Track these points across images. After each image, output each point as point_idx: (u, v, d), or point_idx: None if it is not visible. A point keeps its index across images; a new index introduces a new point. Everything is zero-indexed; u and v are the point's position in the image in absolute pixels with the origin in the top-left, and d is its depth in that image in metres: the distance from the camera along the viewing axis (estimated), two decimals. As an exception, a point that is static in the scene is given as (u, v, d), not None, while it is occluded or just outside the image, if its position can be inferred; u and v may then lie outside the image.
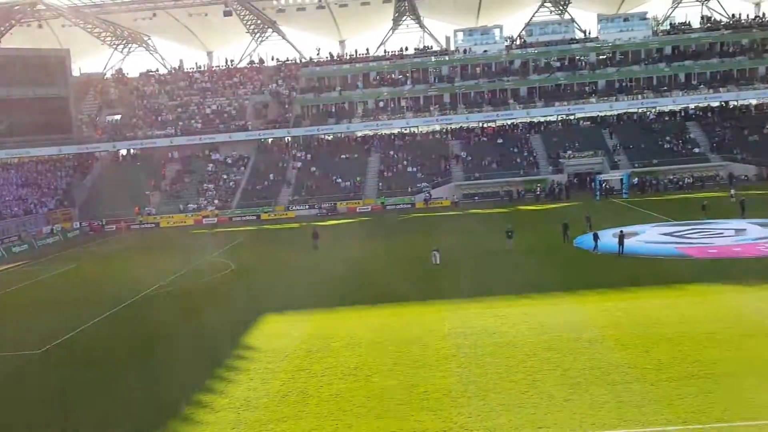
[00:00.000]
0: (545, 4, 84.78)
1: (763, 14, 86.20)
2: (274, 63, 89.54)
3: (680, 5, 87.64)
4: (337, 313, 28.01)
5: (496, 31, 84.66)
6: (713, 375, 18.28)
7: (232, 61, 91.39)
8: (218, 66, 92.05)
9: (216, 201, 71.73)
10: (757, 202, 48.53)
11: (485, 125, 79.36)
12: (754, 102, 75.84)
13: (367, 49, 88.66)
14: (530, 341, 22.21)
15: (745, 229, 39.28)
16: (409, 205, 67.57)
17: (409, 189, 69.91)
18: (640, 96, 76.33)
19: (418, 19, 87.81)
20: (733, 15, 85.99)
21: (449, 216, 59.01)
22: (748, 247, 34.63)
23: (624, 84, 78.07)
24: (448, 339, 23.18)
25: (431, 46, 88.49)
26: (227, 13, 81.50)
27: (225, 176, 75.91)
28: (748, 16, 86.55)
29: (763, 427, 15.16)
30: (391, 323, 25.77)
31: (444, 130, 79.97)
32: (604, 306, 25.85)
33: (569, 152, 70.51)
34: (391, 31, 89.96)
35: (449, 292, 29.91)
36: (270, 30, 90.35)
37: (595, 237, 37.13)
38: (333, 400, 18.50)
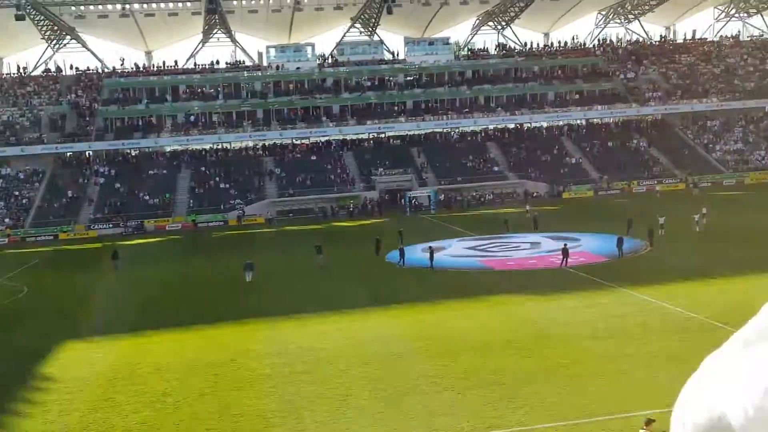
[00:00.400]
0: (355, 25, 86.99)
1: (552, 44, 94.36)
2: (73, 72, 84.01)
3: (479, 32, 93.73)
4: (144, 337, 26.59)
5: (309, 49, 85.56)
6: (514, 382, 19.40)
7: (25, 68, 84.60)
8: (9, 73, 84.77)
9: (6, 220, 65.72)
10: (549, 217, 52.69)
11: (299, 142, 79.64)
12: (545, 124, 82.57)
13: (176, 62, 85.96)
14: (344, 357, 22.40)
15: (539, 243, 42.45)
16: (222, 223, 66.01)
17: (222, 206, 68.34)
18: (444, 117, 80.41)
19: (229, 33, 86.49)
20: (526, 43, 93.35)
21: (263, 233, 58.39)
22: (542, 259, 37.44)
23: (430, 105, 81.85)
24: (263, 359, 22.81)
25: (243, 61, 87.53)
26: (19, 17, 75.26)
27: (17, 193, 69.80)
28: (538, 44, 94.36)
29: (559, 428, 16.32)
30: (204, 345, 24.91)
31: (258, 146, 79.17)
32: (415, 319, 26.72)
33: (381, 170, 72.58)
34: (201, 44, 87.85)
35: (264, 310, 29.48)
36: (69, 37, 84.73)
37: (401, 253, 38.29)
38: (138, 430, 17.48)
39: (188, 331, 27.26)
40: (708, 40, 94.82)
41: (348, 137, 79.76)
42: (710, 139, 79.41)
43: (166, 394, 19.96)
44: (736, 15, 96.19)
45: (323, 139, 79.56)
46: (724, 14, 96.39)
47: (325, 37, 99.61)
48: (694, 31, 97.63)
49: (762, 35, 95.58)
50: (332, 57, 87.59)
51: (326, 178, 72.46)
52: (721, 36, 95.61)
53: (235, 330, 26.86)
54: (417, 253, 40.43)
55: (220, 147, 78.47)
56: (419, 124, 79.78)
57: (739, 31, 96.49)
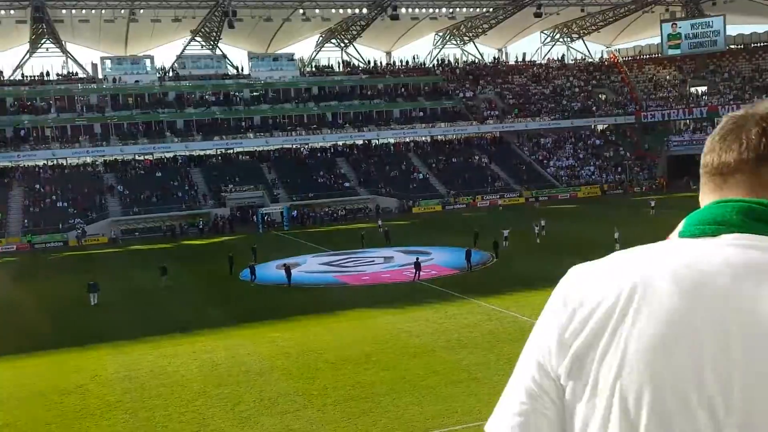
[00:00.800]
0: (196, 38, 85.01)
1: (393, 62, 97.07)
2: None
3: (323, 49, 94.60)
4: (-24, 371, 24.42)
5: (147, 62, 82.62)
6: (373, 395, 19.67)
7: None
8: None
9: None
10: (401, 231, 53.95)
11: (142, 158, 76.48)
12: (392, 140, 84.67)
13: (1, 72, 80.00)
14: (200, 379, 21.76)
15: (392, 257, 43.35)
16: (62, 243, 61.96)
17: (61, 225, 64.15)
18: (293, 132, 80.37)
19: (59, 43, 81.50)
20: (369, 61, 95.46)
21: (107, 253, 55.44)
22: (395, 273, 38.25)
23: (278, 120, 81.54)
24: (113, 384, 21.68)
25: (76, 73, 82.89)
26: None
27: None
28: (381, 62, 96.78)
29: (419, 438, 16.73)
30: (47, 372, 23.28)
31: (97, 162, 75.20)
32: (271, 337, 26.42)
33: (231, 186, 71.23)
34: (28, 54, 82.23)
35: (111, 334, 27.97)
36: None
37: (252, 270, 37.71)
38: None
39: (29, 358, 25.40)
40: (537, 62, 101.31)
41: (195, 153, 77.67)
42: (544, 155, 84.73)
43: (8, 426, 18.47)
44: (561, 40, 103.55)
45: (168, 154, 76.96)
46: (549, 38, 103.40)
47: (165, 50, 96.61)
48: (524, 54, 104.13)
49: (585, 59, 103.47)
50: (173, 70, 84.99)
51: (173, 195, 70.06)
52: (548, 59, 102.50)
53: (80, 355, 25.31)
54: (272, 270, 40.02)
55: (55, 163, 73.81)
56: (268, 140, 79.18)
57: (563, 55, 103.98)
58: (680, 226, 1.28)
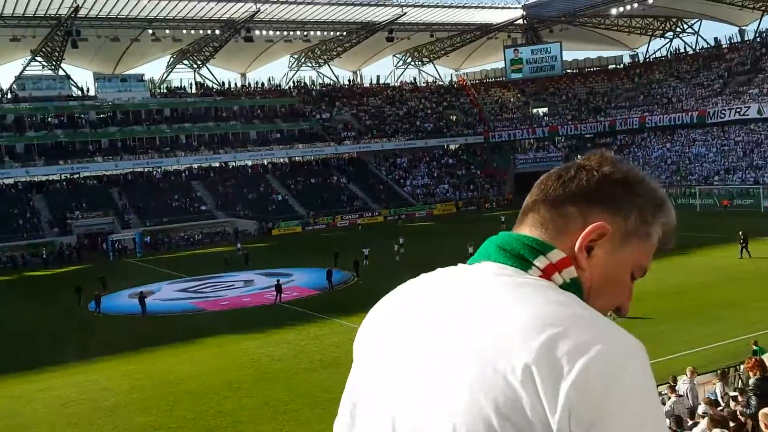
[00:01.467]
0: (36, 58, 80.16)
1: (248, 84, 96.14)
2: None
3: (174, 71, 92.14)
4: None
5: (-18, 83, 76.95)
6: (234, 423, 19.16)
7: None
8: None
9: None
10: (261, 254, 53.17)
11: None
12: (249, 162, 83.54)
13: None
14: (49, 418, 20.35)
15: (252, 280, 42.61)
16: None
17: None
18: (144, 155, 77.47)
19: None
20: (223, 83, 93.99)
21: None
22: (256, 297, 37.60)
23: (128, 143, 78.33)
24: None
25: None
26: None
27: None
28: (236, 84, 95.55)
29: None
30: None
31: None
32: (125, 370, 25.15)
33: (77, 213, 67.38)
34: None
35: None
36: None
37: (97, 300, 35.79)
38: None
39: None
40: (391, 85, 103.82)
41: (37, 179, 72.97)
42: (401, 174, 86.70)
43: None
44: (412, 63, 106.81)
45: (8, 180, 71.79)
46: (402, 62, 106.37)
47: (2, 71, 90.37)
48: (378, 77, 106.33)
49: (435, 81, 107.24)
50: (12, 92, 79.64)
51: (13, 223, 65.28)
52: (401, 81, 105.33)
53: None
54: (124, 299, 38.20)
55: None
56: (117, 164, 75.81)
57: (416, 78, 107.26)
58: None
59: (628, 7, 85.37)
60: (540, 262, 1.27)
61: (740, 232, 36.09)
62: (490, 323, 1.14)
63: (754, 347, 18.72)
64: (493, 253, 1.31)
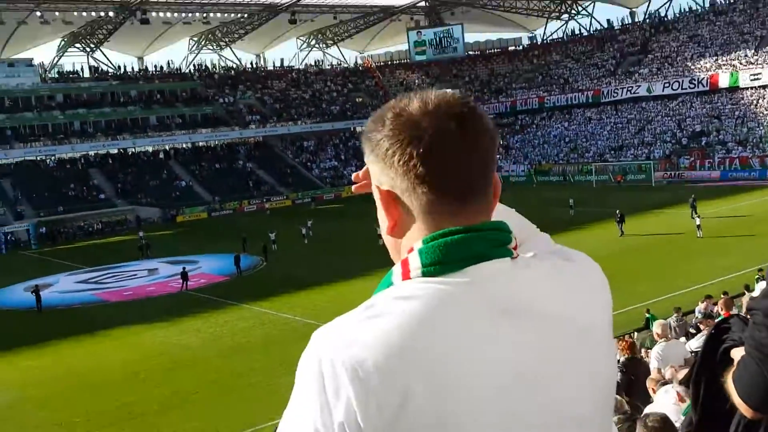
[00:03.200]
0: None
1: (146, 68, 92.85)
2: None
3: (66, 54, 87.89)
4: None
5: None
6: (142, 415, 18.61)
7: None
8: None
9: None
10: (165, 241, 51.66)
11: None
12: (150, 149, 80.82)
13: None
14: (-64, 424, 19.12)
15: (157, 269, 41.32)
16: None
17: None
18: (36, 143, 73.72)
19: None
20: (120, 66, 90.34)
21: None
22: (161, 285, 36.50)
23: (18, 131, 74.33)
24: None
25: None
26: None
27: None
28: (133, 68, 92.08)
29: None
30: None
31: None
32: (22, 366, 23.96)
33: (-37, 205, 63.56)
34: None
35: None
36: None
37: None
38: None
39: None
40: (295, 67, 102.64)
41: None
42: (308, 158, 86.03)
43: None
44: (317, 46, 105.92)
45: None
46: (306, 44, 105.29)
47: None
48: (282, 60, 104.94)
49: (341, 64, 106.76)
50: None
51: None
52: (306, 64, 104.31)
53: None
54: (19, 293, 36.34)
55: None
56: (7, 153, 71.82)
57: (321, 60, 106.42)
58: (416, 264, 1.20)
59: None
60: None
61: (617, 211, 37.72)
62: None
63: (647, 315, 19.66)
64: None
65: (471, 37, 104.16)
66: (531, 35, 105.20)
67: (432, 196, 1.15)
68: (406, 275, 1.16)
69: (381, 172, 1.21)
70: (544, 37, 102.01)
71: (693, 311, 15.55)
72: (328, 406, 1.05)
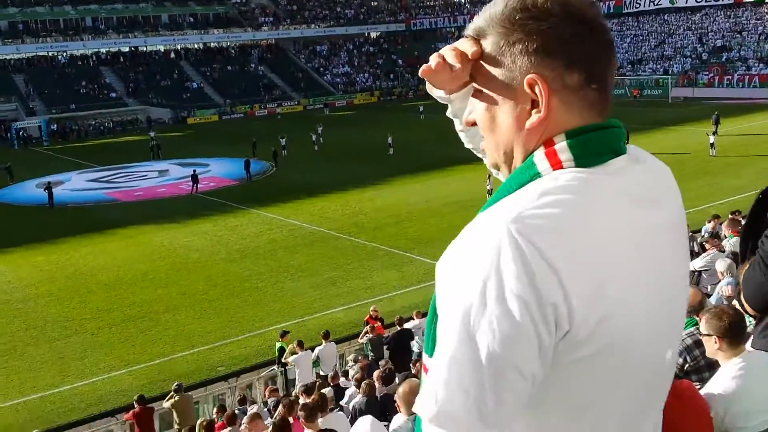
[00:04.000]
0: None
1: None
2: None
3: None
4: None
5: None
6: (151, 313, 19.09)
7: None
8: None
9: None
10: (175, 143, 51.63)
11: None
12: (162, 48, 79.67)
13: None
14: (-50, 314, 19.75)
15: (167, 170, 41.47)
16: None
17: None
18: (48, 39, 72.74)
19: None
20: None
21: None
22: (171, 187, 36.72)
23: (30, 25, 73.20)
24: None
25: None
26: None
27: None
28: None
29: (202, 353, 16.61)
30: None
31: None
32: (34, 262, 24.47)
33: (-26, 99, 63.40)
34: None
35: None
36: None
37: None
38: None
39: None
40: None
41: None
42: (320, 63, 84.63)
43: None
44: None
45: None
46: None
47: None
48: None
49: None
50: None
51: None
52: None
53: None
54: (31, 189, 36.72)
55: None
56: (18, 47, 71.04)
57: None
58: (566, 155, 1.21)
59: None
60: None
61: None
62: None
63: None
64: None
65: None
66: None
67: (585, 85, 1.19)
68: (556, 165, 1.20)
69: (528, 63, 1.19)
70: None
71: (700, 230, 15.47)
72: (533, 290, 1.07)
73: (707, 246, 11.96)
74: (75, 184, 38.79)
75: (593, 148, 1.20)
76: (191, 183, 34.56)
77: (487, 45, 1.22)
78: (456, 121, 1.44)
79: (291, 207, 30.02)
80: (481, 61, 1.23)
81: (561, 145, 1.20)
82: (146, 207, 32.57)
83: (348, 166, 38.10)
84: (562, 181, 1.16)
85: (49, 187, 33.42)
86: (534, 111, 1.20)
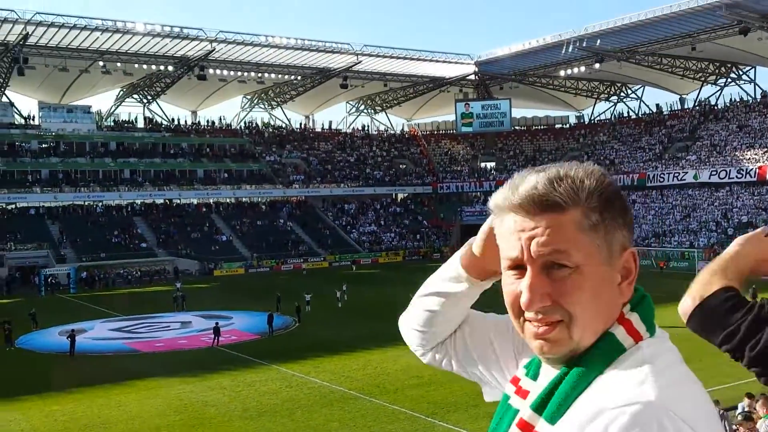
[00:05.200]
0: (-20, 84, 78.19)
1: (199, 122, 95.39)
2: None
3: (123, 104, 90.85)
4: None
5: None
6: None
7: None
8: None
9: None
10: (201, 295, 51.95)
11: None
12: (195, 201, 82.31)
13: None
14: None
15: (190, 322, 41.44)
16: None
17: None
18: (86, 188, 75.65)
19: None
20: (173, 119, 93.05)
21: None
22: (192, 339, 36.51)
23: (70, 175, 76.48)
24: None
25: None
26: None
27: None
28: (186, 121, 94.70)
29: None
30: None
31: None
32: (49, 411, 23.93)
33: (11, 244, 64.99)
34: None
35: None
36: None
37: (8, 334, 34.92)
38: None
39: None
40: (342, 131, 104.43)
41: (-30, 207, 70.47)
42: (348, 221, 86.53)
43: None
44: (365, 111, 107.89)
45: (-62, 208, 69.17)
46: (354, 109, 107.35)
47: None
48: (330, 122, 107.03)
49: (387, 130, 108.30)
50: (-49, 116, 77.22)
51: (-60, 253, 62.63)
52: (353, 128, 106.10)
53: None
54: (54, 336, 36.68)
55: None
56: (56, 196, 73.79)
57: (368, 125, 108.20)
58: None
59: (576, 70, 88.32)
60: None
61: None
62: None
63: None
64: None
65: (518, 113, 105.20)
66: (578, 114, 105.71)
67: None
68: (637, 338, 1.26)
69: (622, 237, 1.28)
70: (592, 117, 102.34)
71: (735, 407, 14.75)
72: None
73: (740, 430, 11.34)
74: (98, 333, 38.74)
75: (650, 315, 1.29)
76: (213, 335, 34.38)
77: (572, 219, 1.24)
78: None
79: (312, 364, 29.53)
80: (579, 235, 1.23)
81: (633, 316, 1.27)
82: (166, 359, 32.22)
83: (372, 324, 37.76)
84: (663, 355, 1.23)
85: (72, 335, 33.38)
86: (626, 282, 1.28)
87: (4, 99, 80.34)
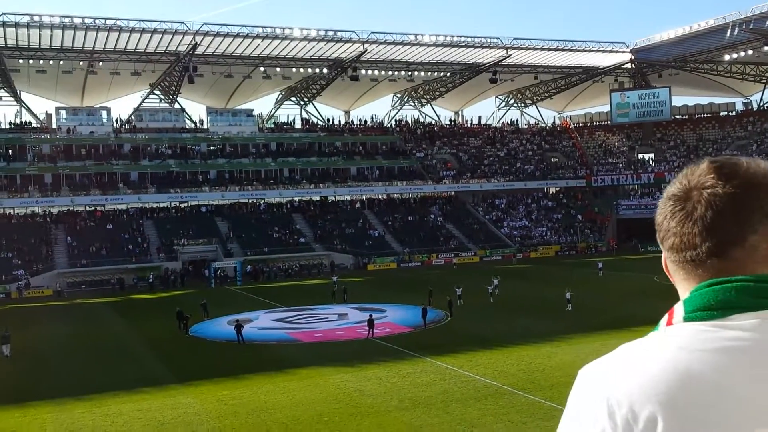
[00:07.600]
0: (155, 91, 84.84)
1: (352, 121, 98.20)
2: None
3: (282, 107, 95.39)
4: None
5: (104, 113, 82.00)
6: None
7: None
8: None
9: None
10: (355, 288, 53.63)
11: (93, 209, 75.09)
12: (349, 198, 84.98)
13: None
14: (145, 440, 21.01)
15: (346, 314, 42.97)
16: (3, 295, 59.93)
17: (4, 277, 62.20)
18: (249, 187, 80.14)
19: (14, 92, 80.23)
20: (328, 120, 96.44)
21: (49, 306, 53.75)
22: (349, 331, 37.85)
23: (235, 175, 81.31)
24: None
25: (30, 122, 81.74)
26: None
27: None
28: (340, 121, 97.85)
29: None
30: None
31: (47, 213, 73.58)
32: (219, 396, 25.72)
33: (184, 240, 70.24)
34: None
35: (47, 392, 26.88)
36: None
37: (184, 324, 38.17)
38: None
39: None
40: (492, 125, 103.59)
41: (148, 205, 76.76)
42: (498, 216, 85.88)
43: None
44: (515, 105, 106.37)
45: (121, 206, 75.86)
46: (504, 103, 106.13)
47: (123, 102, 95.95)
48: (479, 117, 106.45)
49: (538, 123, 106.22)
50: (130, 122, 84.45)
51: (123, 247, 68.77)
52: (503, 122, 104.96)
53: (12, 415, 24.17)
54: (222, 326, 39.31)
55: (2, 213, 72.09)
56: (224, 194, 78.84)
57: (517, 119, 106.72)
58: (679, 312, 1.30)
59: (742, 53, 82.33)
60: None
61: None
62: None
63: None
64: (743, 302, 1.26)
65: (678, 101, 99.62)
66: (746, 100, 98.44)
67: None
68: (668, 322, 1.31)
69: None
70: (761, 104, 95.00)
71: None
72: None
73: None
74: (262, 323, 41.11)
75: (705, 302, 1.26)
76: (367, 327, 35.44)
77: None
78: None
79: (465, 357, 29.74)
80: None
81: (679, 304, 1.33)
82: (324, 349, 33.62)
83: (524, 319, 37.47)
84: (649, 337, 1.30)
85: (238, 325, 35.70)
86: None
87: (177, 105, 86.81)
